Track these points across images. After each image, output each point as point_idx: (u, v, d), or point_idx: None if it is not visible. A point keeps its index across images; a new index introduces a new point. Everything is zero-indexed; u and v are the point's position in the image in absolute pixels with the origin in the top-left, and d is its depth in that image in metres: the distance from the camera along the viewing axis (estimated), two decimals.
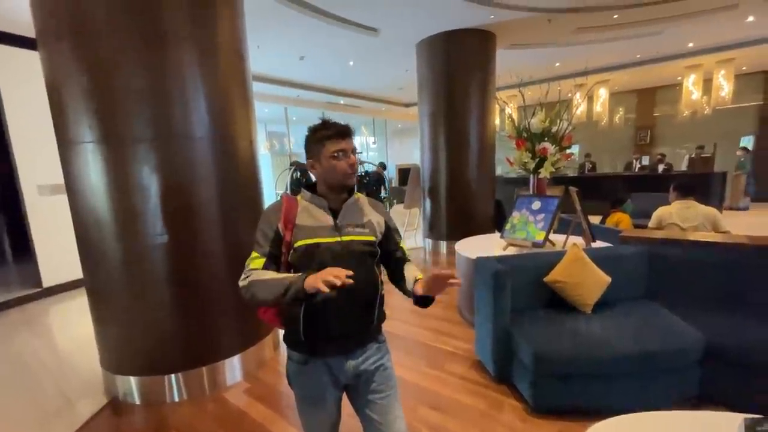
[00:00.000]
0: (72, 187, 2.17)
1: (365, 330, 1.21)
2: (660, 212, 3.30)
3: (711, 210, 3.11)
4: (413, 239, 6.48)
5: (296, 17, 4.36)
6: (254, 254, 1.14)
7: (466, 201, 5.53)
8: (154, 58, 2.03)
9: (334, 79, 7.81)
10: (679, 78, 7.93)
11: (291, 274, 1.06)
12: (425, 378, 2.41)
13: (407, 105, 10.81)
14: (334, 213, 1.17)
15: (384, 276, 1.29)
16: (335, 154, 1.11)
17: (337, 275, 0.93)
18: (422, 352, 2.75)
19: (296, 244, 1.11)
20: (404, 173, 6.11)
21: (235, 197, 2.40)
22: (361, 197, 1.25)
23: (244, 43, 2.52)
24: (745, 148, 8.21)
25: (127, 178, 2.07)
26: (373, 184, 7.22)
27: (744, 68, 7.76)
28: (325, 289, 0.93)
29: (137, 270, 2.15)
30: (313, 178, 1.22)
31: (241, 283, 1.10)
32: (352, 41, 5.26)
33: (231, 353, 2.42)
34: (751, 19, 5.16)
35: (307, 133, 1.19)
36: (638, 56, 7.09)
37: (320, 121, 1.17)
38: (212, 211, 2.27)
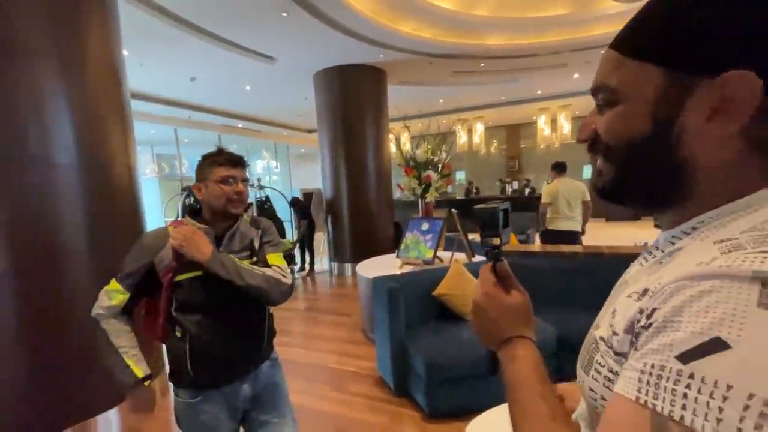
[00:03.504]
0: None
1: (256, 351, 1.20)
2: (549, 189, 4.19)
3: (581, 184, 4.14)
4: (319, 263, 6.46)
5: (185, 38, 4.17)
6: (117, 286, 1.10)
7: (367, 224, 5.77)
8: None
9: (230, 103, 7.51)
10: (534, 117, 9.65)
11: (129, 361, 1.08)
12: (330, 403, 2.43)
13: (309, 131, 10.90)
14: (218, 240, 1.15)
15: None
16: (223, 179, 1.11)
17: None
18: (326, 377, 2.76)
19: (177, 278, 1.08)
20: (308, 197, 6.10)
21: (110, 229, 2.16)
22: (243, 221, 1.20)
23: (119, 60, 2.34)
24: None
25: None
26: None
27: (577, 112, 9.83)
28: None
29: None
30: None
31: (94, 312, 1.08)
32: (249, 67, 5.20)
33: (105, 407, 2.11)
34: (576, 76, 6.65)
35: (200, 159, 1.18)
36: (503, 98, 8.46)
37: (215, 148, 1.18)
38: (79, 246, 2.01)
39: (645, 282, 0.37)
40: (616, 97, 0.39)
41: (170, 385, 1.19)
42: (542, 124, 9.15)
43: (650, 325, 0.32)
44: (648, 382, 0.30)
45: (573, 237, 4.05)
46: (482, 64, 5.75)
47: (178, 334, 1.11)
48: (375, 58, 5.14)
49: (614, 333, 0.37)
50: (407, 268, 3.11)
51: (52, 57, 1.92)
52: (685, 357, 0.28)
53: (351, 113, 5.50)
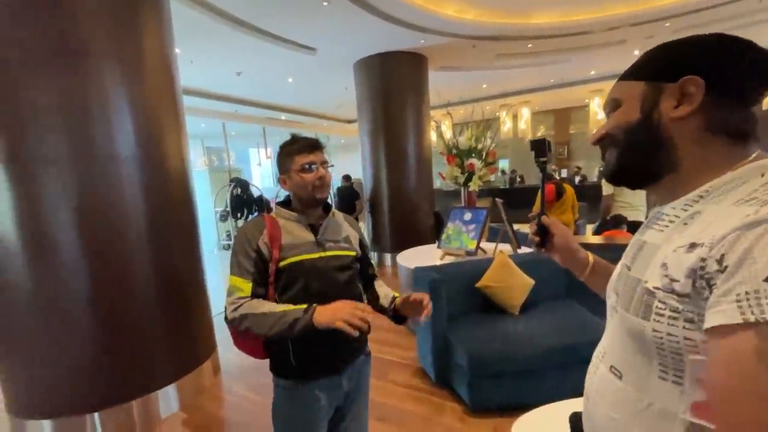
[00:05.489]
0: None
1: (355, 342, 1.19)
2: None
3: None
4: None
5: (231, 34, 4.31)
6: (238, 279, 1.07)
7: (407, 214, 5.73)
8: (69, 71, 1.92)
9: (274, 95, 7.72)
10: (587, 100, 9.02)
11: (289, 307, 1.02)
12: (371, 390, 2.45)
13: (348, 121, 10.98)
14: (313, 229, 1.16)
15: None
16: (303, 167, 1.10)
17: (360, 317, 0.91)
18: None
19: (281, 264, 1.09)
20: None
21: (167, 218, 2.30)
22: (337, 213, 1.25)
23: (172, 59, 2.45)
24: None
25: (38, 199, 1.91)
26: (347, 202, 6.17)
27: None
28: (351, 331, 0.90)
29: (50, 299, 1.96)
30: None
31: (230, 315, 1.02)
32: (291, 59, 5.29)
33: (164, 383, 2.27)
34: (637, 52, 6.08)
35: (278, 150, 1.18)
36: (552, 80, 7.97)
37: (290, 136, 1.17)
38: (140, 234, 2.16)
39: (682, 239, 0.50)
40: (619, 103, 0.60)
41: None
42: (596, 107, 8.53)
43: (726, 267, 0.42)
44: (749, 305, 0.39)
45: (637, 228, 3.76)
46: (530, 45, 5.43)
47: None
48: (416, 43, 5.02)
49: (673, 280, 0.48)
50: (448, 259, 3.04)
51: (115, 58, 2.05)
52: None
53: (391, 101, 5.44)
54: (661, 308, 0.49)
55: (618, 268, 0.67)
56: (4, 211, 1.88)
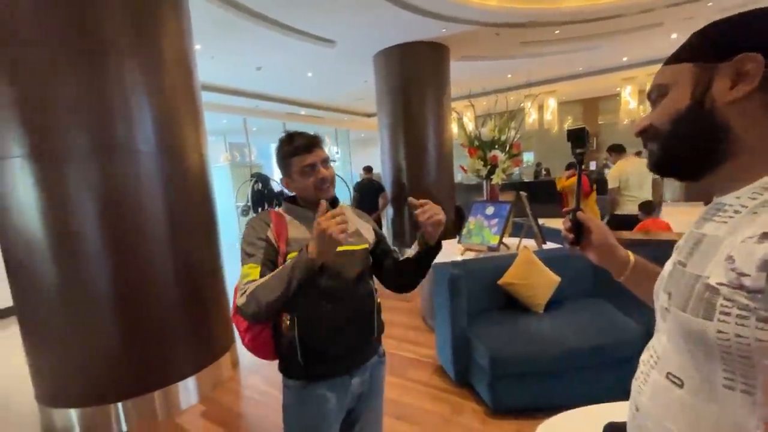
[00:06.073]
0: None
1: (366, 343, 1.15)
2: (615, 172, 3.82)
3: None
4: None
5: (251, 28, 4.31)
6: (247, 267, 1.01)
7: None
8: (92, 68, 1.94)
9: (293, 90, 7.74)
10: (618, 89, 8.58)
11: (286, 264, 0.96)
12: (388, 387, 2.38)
13: (368, 115, 10.91)
14: None
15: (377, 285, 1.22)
16: (303, 170, 1.06)
17: (337, 222, 0.86)
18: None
19: (288, 258, 1.04)
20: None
21: (186, 212, 2.32)
22: (346, 207, 1.19)
23: (191, 54, 2.46)
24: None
25: (63, 194, 1.95)
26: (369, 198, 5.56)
27: None
28: (343, 238, 0.86)
29: (76, 293, 2.01)
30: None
31: (240, 301, 0.96)
32: (310, 53, 5.26)
33: (185, 375, 2.31)
34: (675, 36, 5.71)
35: (275, 150, 1.12)
36: (580, 68, 7.62)
37: (285, 135, 1.10)
38: (160, 228, 2.18)
39: (752, 229, 0.45)
40: (666, 89, 0.55)
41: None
42: (627, 95, 8.12)
43: None
44: None
45: None
46: (557, 32, 5.18)
47: (288, 322, 1.06)
48: (437, 33, 4.88)
49: (742, 274, 0.43)
50: (469, 255, 2.94)
51: (136, 55, 2.07)
52: None
53: (411, 93, 5.33)
54: (726, 306, 0.45)
55: (668, 266, 0.60)
56: (30, 207, 1.93)
